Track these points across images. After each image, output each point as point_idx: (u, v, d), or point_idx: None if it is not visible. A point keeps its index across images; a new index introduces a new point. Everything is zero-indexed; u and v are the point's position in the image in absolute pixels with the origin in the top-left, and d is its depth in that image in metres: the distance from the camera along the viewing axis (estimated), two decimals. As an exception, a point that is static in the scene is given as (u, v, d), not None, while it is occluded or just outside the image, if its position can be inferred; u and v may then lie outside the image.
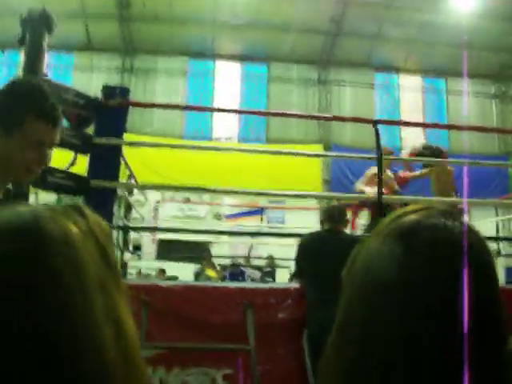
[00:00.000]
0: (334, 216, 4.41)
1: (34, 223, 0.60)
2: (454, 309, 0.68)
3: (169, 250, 13.03)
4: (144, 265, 12.45)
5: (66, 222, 0.62)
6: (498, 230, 12.16)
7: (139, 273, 13.34)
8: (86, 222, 0.65)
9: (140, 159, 13.82)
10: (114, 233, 8.12)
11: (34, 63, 4.20)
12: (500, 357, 0.70)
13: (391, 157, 6.33)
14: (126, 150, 5.93)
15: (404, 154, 7.44)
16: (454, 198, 6.41)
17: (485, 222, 11.86)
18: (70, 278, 0.58)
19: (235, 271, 12.68)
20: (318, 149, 17.67)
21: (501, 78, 20.32)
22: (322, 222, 4.57)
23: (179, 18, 17.67)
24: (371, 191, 7.18)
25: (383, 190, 7.25)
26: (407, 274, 0.71)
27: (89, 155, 4.63)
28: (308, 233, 4.56)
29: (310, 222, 12.17)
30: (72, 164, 4.65)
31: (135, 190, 9.44)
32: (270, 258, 13.71)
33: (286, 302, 4.22)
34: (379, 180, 4.85)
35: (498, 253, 14.00)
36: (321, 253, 4.05)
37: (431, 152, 6.90)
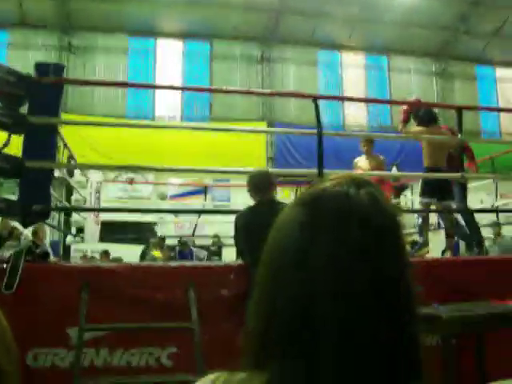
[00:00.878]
0: (258, 185, 4.30)
1: None
2: (349, 274, 0.69)
3: (113, 232, 12.85)
4: (88, 247, 12.26)
5: None
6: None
7: (84, 256, 13.15)
8: None
9: (83, 140, 13.56)
10: (55, 215, 7.98)
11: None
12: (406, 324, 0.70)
13: (330, 132, 6.32)
14: (68, 132, 5.78)
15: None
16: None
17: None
18: None
19: (184, 251, 12.64)
20: (261, 126, 17.68)
21: (441, 56, 20.71)
22: (249, 193, 4.39)
23: (119, -5, 17.29)
24: None
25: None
26: (307, 239, 0.72)
27: (23, 135, 4.48)
28: (242, 209, 4.50)
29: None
30: (6, 145, 4.49)
31: (76, 172, 9.25)
32: (216, 237, 13.72)
33: (228, 278, 4.23)
34: (319, 156, 4.86)
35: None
36: (254, 227, 3.96)
37: (420, 116, 6.77)
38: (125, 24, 18.39)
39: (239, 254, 4.62)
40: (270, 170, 5.66)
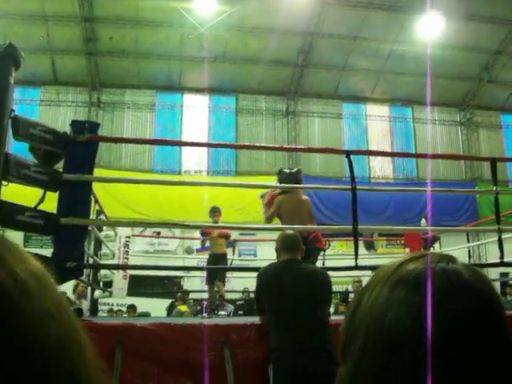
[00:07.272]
0: (290, 246, 4.27)
1: None
2: (475, 347, 0.68)
3: (140, 286, 12.81)
4: (115, 301, 12.21)
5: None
6: (470, 256, 12.43)
7: (111, 310, 13.10)
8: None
9: (109, 193, 13.67)
10: (85, 271, 7.96)
11: (0, 99, 4.08)
12: None
13: (364, 187, 6.27)
14: (96, 186, 5.81)
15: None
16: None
17: (457, 249, 12.08)
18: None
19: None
20: (288, 180, 17.66)
21: (466, 106, 20.72)
22: (277, 251, 4.37)
23: (146, 52, 17.71)
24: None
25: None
26: (419, 318, 0.70)
27: (58, 192, 4.50)
28: (267, 264, 4.41)
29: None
30: (41, 201, 4.51)
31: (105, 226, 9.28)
32: (246, 291, 13.57)
33: (263, 336, 4.12)
34: (354, 211, 4.80)
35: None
36: (282, 284, 3.96)
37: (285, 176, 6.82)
38: (152, 80, 18.79)
39: (259, 309, 4.44)
40: (297, 226, 5.55)
